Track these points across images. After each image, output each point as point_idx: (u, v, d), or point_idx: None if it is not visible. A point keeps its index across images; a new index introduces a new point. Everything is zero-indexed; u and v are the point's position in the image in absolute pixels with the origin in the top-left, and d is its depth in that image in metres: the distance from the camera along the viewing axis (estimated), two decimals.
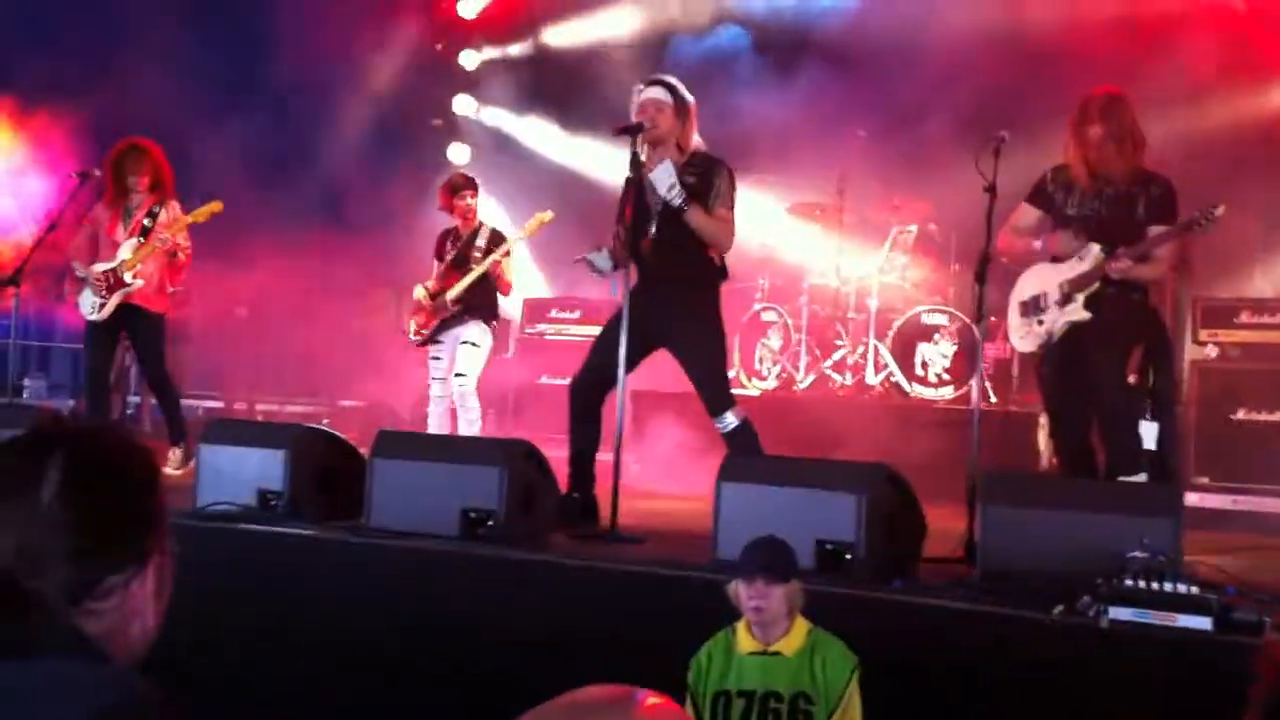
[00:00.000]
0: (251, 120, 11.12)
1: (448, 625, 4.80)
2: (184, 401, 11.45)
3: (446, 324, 7.93)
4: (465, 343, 7.86)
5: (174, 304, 8.16)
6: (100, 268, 7.55)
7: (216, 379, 11.31)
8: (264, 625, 5.07)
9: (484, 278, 7.83)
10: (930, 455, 7.41)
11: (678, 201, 5.64)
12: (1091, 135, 5.58)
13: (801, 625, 3.68)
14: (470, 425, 7.81)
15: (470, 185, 8.11)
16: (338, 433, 6.01)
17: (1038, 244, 5.72)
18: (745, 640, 3.70)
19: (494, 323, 8.02)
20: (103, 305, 7.53)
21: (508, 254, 7.86)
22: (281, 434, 5.82)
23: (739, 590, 3.67)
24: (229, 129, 10.95)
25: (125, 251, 7.51)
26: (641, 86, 6.00)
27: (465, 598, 4.84)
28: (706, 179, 5.80)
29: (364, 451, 5.66)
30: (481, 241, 7.92)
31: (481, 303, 7.91)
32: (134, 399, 10.51)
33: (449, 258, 8.02)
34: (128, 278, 7.48)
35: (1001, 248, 5.78)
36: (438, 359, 8.04)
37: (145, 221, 7.60)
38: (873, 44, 9.90)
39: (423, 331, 8.00)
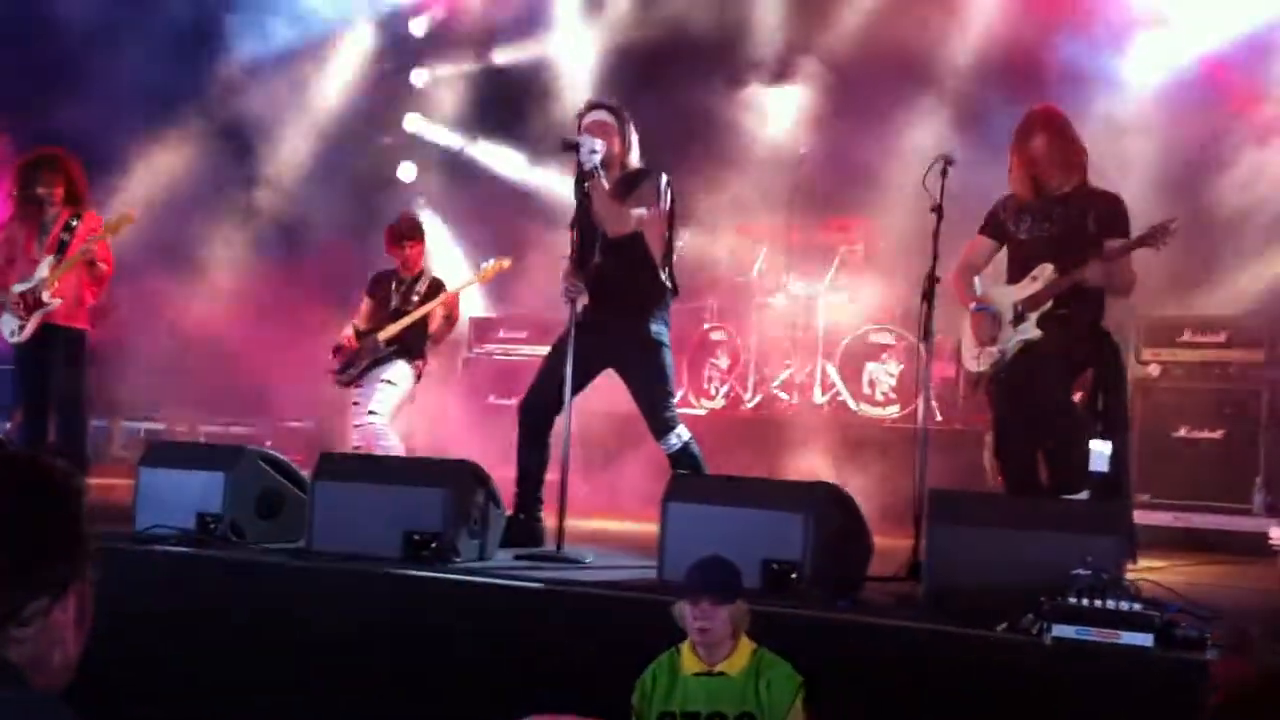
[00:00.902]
0: (197, 138, 11.03)
1: (391, 649, 4.73)
2: (126, 424, 11.37)
3: (374, 364, 7.82)
4: (384, 381, 7.74)
5: (112, 324, 8.01)
6: (18, 288, 7.32)
7: (158, 401, 11.15)
8: (204, 651, 4.98)
9: (420, 322, 7.78)
10: (877, 474, 7.43)
11: (588, 166, 5.60)
12: (1034, 151, 5.63)
13: (746, 645, 3.67)
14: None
15: (415, 235, 8.01)
16: (279, 455, 5.92)
17: (972, 306, 5.76)
18: (690, 661, 3.68)
19: (419, 362, 7.89)
20: (23, 327, 7.31)
21: (445, 301, 7.83)
22: (221, 456, 5.74)
23: (684, 611, 3.65)
24: (172, 148, 10.87)
25: (43, 269, 7.28)
26: (584, 108, 6.02)
27: (409, 621, 4.78)
28: (636, 181, 5.81)
29: (307, 474, 5.59)
30: (421, 287, 7.87)
31: (410, 344, 7.83)
32: (99, 423, 10.35)
33: (392, 305, 7.91)
34: (46, 297, 7.25)
35: (953, 288, 5.82)
36: (357, 404, 7.89)
37: (62, 235, 7.35)
38: (821, 63, 9.96)
39: (350, 372, 7.87)
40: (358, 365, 7.83)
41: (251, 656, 4.89)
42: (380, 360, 7.76)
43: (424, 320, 7.81)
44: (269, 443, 10.24)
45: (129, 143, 10.57)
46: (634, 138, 5.93)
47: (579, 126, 5.93)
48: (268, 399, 11.02)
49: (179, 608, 5.08)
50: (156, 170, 10.87)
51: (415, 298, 7.84)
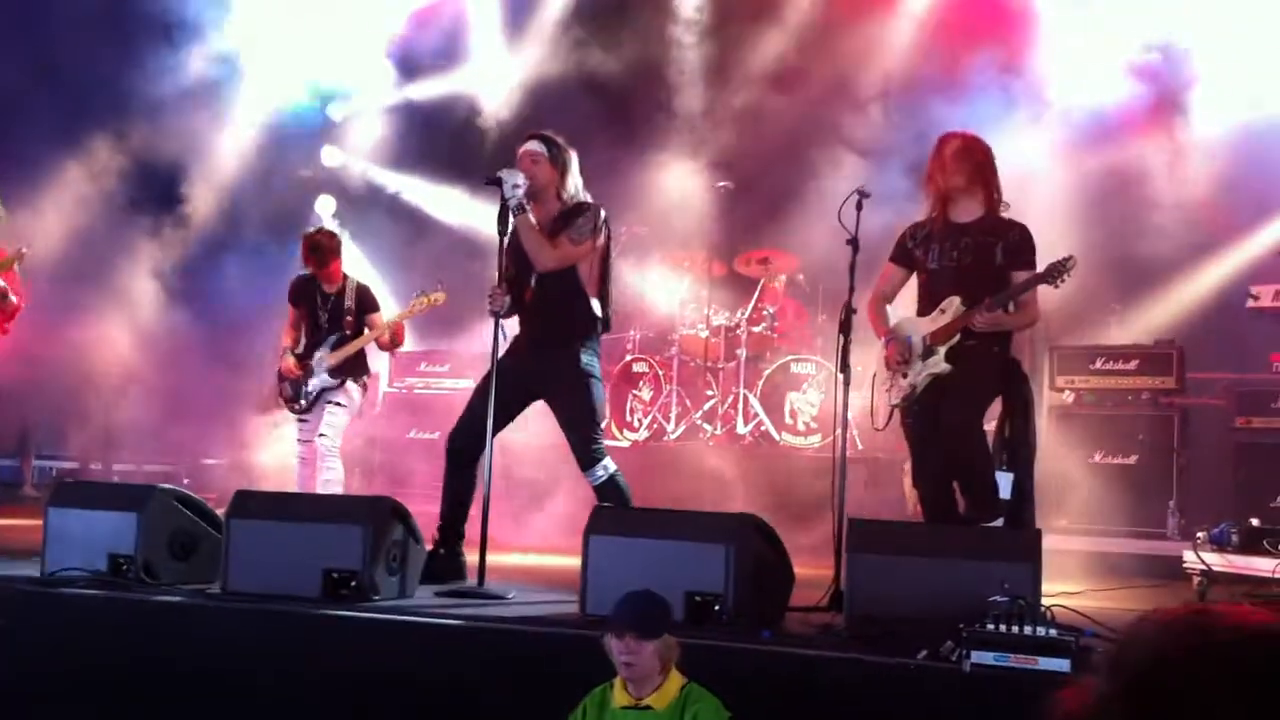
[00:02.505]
0: (110, 170, 10.85)
1: (311, 690, 4.65)
2: (37, 463, 11.12)
3: (324, 390, 7.83)
4: (331, 402, 7.80)
5: (23, 360, 7.84)
6: None
7: (71, 438, 10.92)
8: (117, 696, 4.86)
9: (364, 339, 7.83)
10: (799, 503, 7.47)
11: (513, 203, 5.61)
12: (946, 177, 5.69)
13: (676, 679, 3.65)
14: (329, 485, 7.68)
15: (339, 251, 7.99)
16: (193, 493, 5.81)
17: (885, 338, 5.84)
18: (620, 694, 3.67)
19: (364, 378, 7.92)
20: None
21: (420, 310, 7.87)
22: (133, 495, 5.61)
23: (611, 645, 3.63)
24: (84, 180, 10.68)
25: None
26: (525, 139, 6.01)
27: (329, 661, 4.70)
28: (572, 216, 5.82)
29: (222, 512, 5.49)
30: (350, 303, 7.83)
31: (352, 364, 7.86)
32: (9, 461, 10.14)
33: (322, 320, 7.89)
34: None
35: (869, 318, 5.88)
36: (304, 420, 7.89)
37: None
38: (737, 97, 10.07)
39: (302, 402, 7.86)
40: (306, 395, 7.84)
41: (166, 701, 4.78)
42: (329, 386, 7.80)
43: (375, 340, 7.89)
44: (185, 480, 10.08)
45: (41, 174, 10.37)
46: (574, 168, 5.92)
47: (517, 158, 5.93)
48: (183, 436, 10.84)
49: (90, 651, 4.95)
50: (69, 203, 10.67)
51: (348, 316, 7.80)
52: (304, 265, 8.00)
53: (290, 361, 7.89)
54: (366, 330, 7.82)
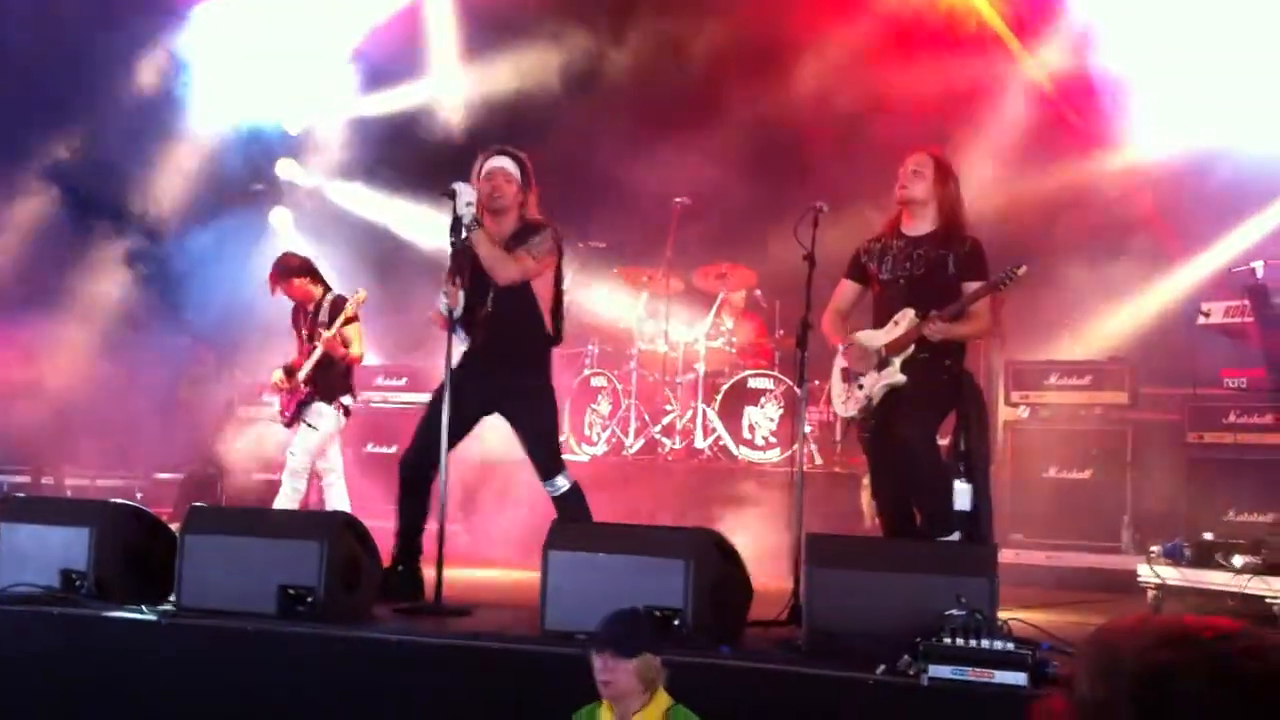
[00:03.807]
0: (63, 182, 10.75)
1: (266, 708, 4.61)
2: None
3: (301, 405, 7.85)
4: (305, 423, 7.80)
5: None
6: None
7: (23, 451, 10.77)
8: (69, 713, 4.79)
9: (326, 355, 7.75)
10: (758, 518, 7.49)
11: (466, 219, 5.61)
12: (906, 192, 5.75)
13: (662, 699, 3.64)
14: (286, 500, 7.65)
15: (288, 274, 7.96)
16: (146, 508, 5.75)
17: (842, 345, 5.88)
18: (606, 714, 3.68)
19: (342, 398, 7.85)
20: None
21: (348, 321, 7.77)
22: (86, 511, 5.55)
23: (593, 662, 3.62)
24: (36, 192, 10.58)
25: None
26: (489, 153, 5.99)
27: (284, 678, 4.66)
28: (528, 233, 5.82)
29: (177, 527, 5.43)
30: (324, 316, 7.83)
31: (326, 382, 7.82)
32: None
33: (303, 335, 7.93)
34: None
35: (825, 331, 5.91)
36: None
37: None
38: (698, 112, 10.09)
39: (285, 414, 7.94)
40: (289, 408, 7.89)
41: (119, 718, 4.72)
42: (305, 401, 7.81)
43: (329, 355, 7.76)
44: (138, 495, 9.97)
45: None
46: (535, 188, 5.95)
47: (479, 170, 5.92)
48: (137, 450, 10.73)
49: (42, 668, 4.89)
50: (21, 215, 10.56)
51: (321, 328, 7.78)
52: (272, 293, 8.02)
53: (274, 378, 7.94)
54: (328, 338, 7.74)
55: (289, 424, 7.90)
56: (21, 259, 10.11)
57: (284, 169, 12.25)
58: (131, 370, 10.47)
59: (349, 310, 7.74)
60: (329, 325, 7.73)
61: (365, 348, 8.07)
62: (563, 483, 5.80)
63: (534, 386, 5.86)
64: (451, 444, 5.72)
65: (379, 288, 8.37)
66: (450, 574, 5.44)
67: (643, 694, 3.62)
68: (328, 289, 8.02)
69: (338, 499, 7.91)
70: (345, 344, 7.76)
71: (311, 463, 7.81)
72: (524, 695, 4.26)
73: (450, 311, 5.63)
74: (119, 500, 5.71)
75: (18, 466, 10.86)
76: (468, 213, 5.59)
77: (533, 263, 5.79)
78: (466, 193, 5.64)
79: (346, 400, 7.90)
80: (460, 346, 5.82)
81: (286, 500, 7.67)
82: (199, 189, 11.51)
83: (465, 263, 5.81)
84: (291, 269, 7.96)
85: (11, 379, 10.17)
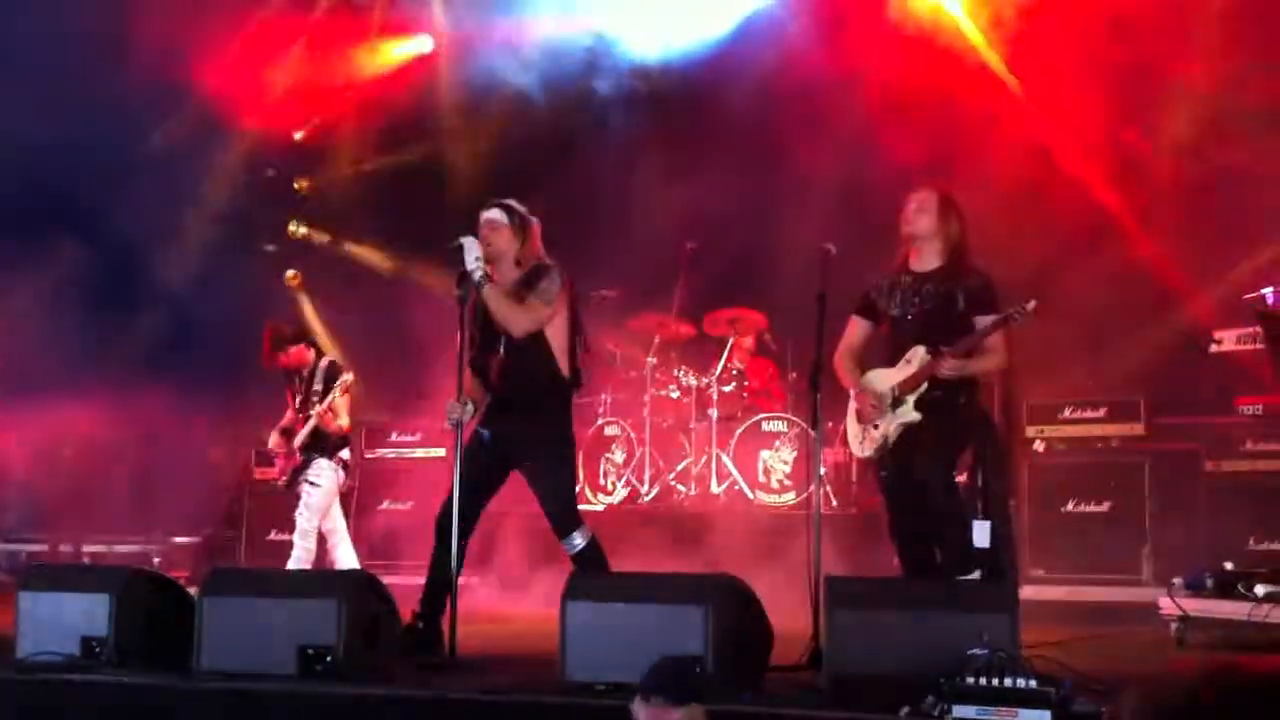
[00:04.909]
0: (75, 245, 10.83)
1: None
2: (5, 546, 10.99)
3: (297, 471, 7.94)
4: (308, 482, 7.89)
5: None
6: None
7: (41, 520, 10.81)
8: None
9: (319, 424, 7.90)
10: (775, 562, 7.46)
11: (477, 276, 5.64)
12: (911, 228, 5.76)
13: None
14: (299, 561, 7.68)
15: (293, 339, 8.04)
16: (164, 573, 5.76)
17: (854, 389, 5.87)
18: None
19: (340, 454, 7.94)
20: None
21: (345, 391, 7.86)
22: (105, 577, 5.55)
23: (639, 712, 3.59)
24: (49, 255, 10.66)
25: None
26: (482, 211, 6.06)
27: None
28: (534, 279, 5.83)
29: (195, 591, 5.43)
30: (319, 385, 7.89)
31: (323, 442, 7.92)
32: None
33: (299, 402, 8.02)
34: None
35: (837, 371, 5.91)
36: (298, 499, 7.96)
37: None
38: (701, 155, 10.14)
39: (282, 477, 8.08)
40: (285, 472, 8.00)
41: None
42: (300, 468, 7.89)
43: (321, 425, 7.88)
44: (156, 560, 9.98)
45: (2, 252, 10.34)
46: (534, 235, 5.95)
47: (478, 226, 5.96)
48: (153, 515, 10.75)
49: None
50: (32, 279, 10.64)
51: (315, 399, 7.84)
52: (266, 367, 8.09)
53: (272, 440, 8.04)
54: (322, 410, 7.83)
55: (287, 487, 7.97)
56: (35, 325, 10.17)
57: (295, 228, 12.35)
58: (143, 436, 10.51)
59: (343, 384, 7.83)
60: (323, 393, 7.80)
61: (349, 417, 8.17)
62: (579, 540, 5.74)
63: (550, 440, 5.81)
64: (485, 498, 5.76)
65: (389, 342, 8.39)
66: (469, 628, 5.42)
67: None
68: (320, 354, 8.08)
69: (345, 558, 7.92)
70: (334, 415, 7.88)
71: (320, 521, 7.84)
72: None
73: (458, 424, 5.67)
74: (137, 566, 5.72)
75: (35, 536, 10.89)
76: (477, 267, 5.63)
77: (545, 309, 5.76)
78: (474, 247, 5.68)
79: (344, 454, 7.98)
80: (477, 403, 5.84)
81: (299, 561, 7.70)
82: (209, 250, 11.60)
83: (475, 315, 5.82)
84: (285, 338, 8.02)
85: (27, 449, 10.23)
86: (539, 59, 10.97)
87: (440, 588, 5.78)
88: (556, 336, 5.86)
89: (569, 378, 5.89)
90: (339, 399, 7.83)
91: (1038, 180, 9.17)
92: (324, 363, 8.01)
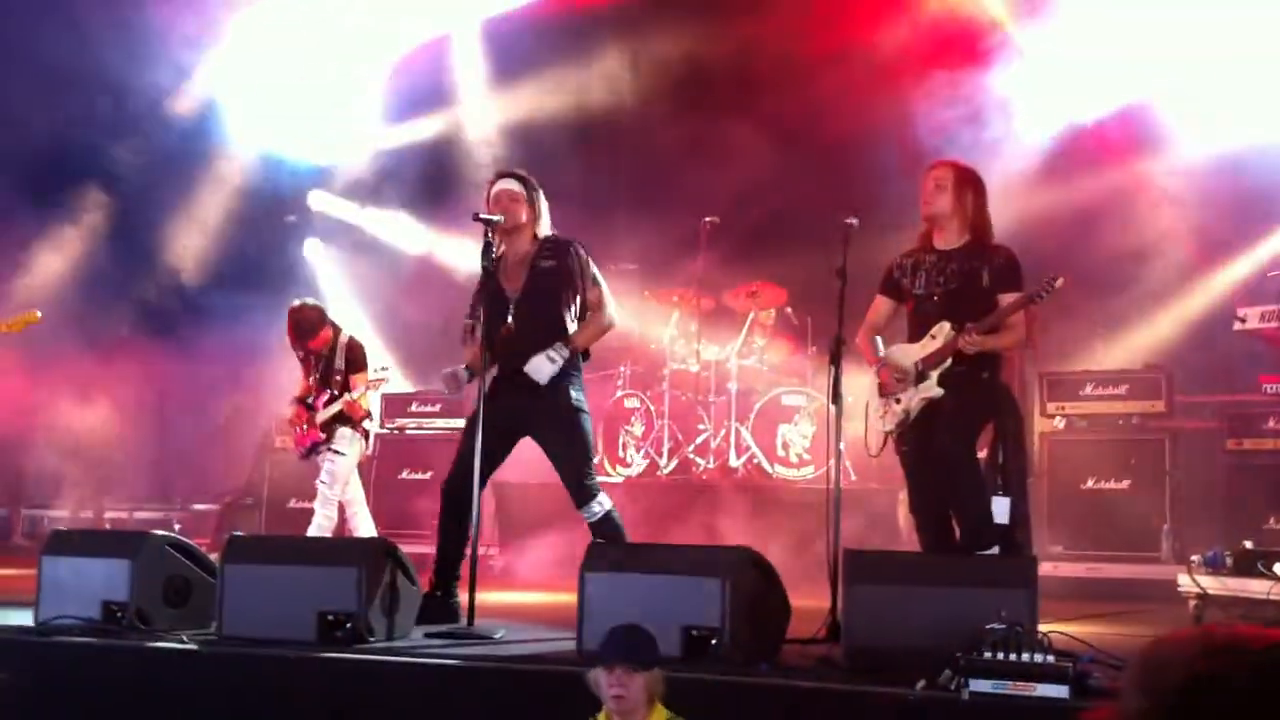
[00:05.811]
0: (98, 217, 10.88)
1: None
2: (27, 511, 11.08)
3: (315, 444, 8.00)
4: (333, 450, 7.90)
5: (13, 411, 7.87)
6: None
7: (62, 486, 10.89)
8: None
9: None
10: (794, 535, 7.47)
11: (546, 381, 5.72)
12: (932, 203, 5.73)
13: (660, 713, 3.65)
14: (319, 529, 7.71)
15: (319, 324, 8.02)
16: (186, 539, 5.79)
17: (876, 365, 5.86)
18: None
19: (364, 422, 7.99)
20: None
21: (374, 387, 8.01)
22: (126, 542, 5.58)
23: (599, 678, 3.63)
24: (73, 227, 10.71)
25: None
26: (494, 177, 6.07)
27: (324, 704, 4.67)
28: (564, 263, 5.83)
29: (215, 557, 5.47)
30: (340, 362, 7.91)
31: (345, 415, 7.94)
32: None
33: (314, 378, 8.03)
34: None
35: (860, 348, 5.90)
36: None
37: None
38: (726, 130, 10.10)
39: (299, 448, 8.11)
40: (303, 443, 8.03)
41: None
42: (319, 442, 7.95)
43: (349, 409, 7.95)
44: (177, 526, 10.05)
45: (27, 226, 10.40)
46: (544, 206, 5.97)
47: (487, 196, 5.96)
48: (173, 482, 10.82)
49: (86, 700, 4.92)
50: (56, 252, 10.70)
51: (336, 375, 7.85)
52: (296, 346, 8.06)
53: (291, 411, 8.08)
54: (347, 393, 7.84)
55: (303, 457, 7.99)
56: (59, 297, 10.23)
57: (315, 199, 12.36)
58: (166, 404, 10.56)
59: (374, 381, 8.00)
60: (345, 372, 7.84)
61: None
62: (597, 508, 5.75)
63: (564, 408, 5.81)
64: (491, 468, 5.74)
65: (411, 313, 8.40)
66: (487, 597, 5.44)
67: (645, 707, 3.63)
68: (338, 331, 8.07)
69: (364, 527, 7.95)
70: (359, 405, 7.94)
71: (343, 489, 7.86)
72: (560, 716, 4.25)
73: (469, 375, 5.70)
74: (159, 531, 5.75)
75: (57, 502, 10.98)
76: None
77: (605, 291, 5.92)
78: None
79: (367, 424, 8.01)
80: (492, 371, 5.83)
81: (319, 529, 7.73)
82: (231, 223, 11.64)
83: (490, 285, 5.82)
84: (312, 323, 7.98)
85: (50, 417, 10.29)
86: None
87: (454, 556, 5.80)
88: (568, 306, 5.86)
89: (580, 350, 5.92)
90: (366, 395, 7.93)
91: (1061, 153, 9.12)
92: (344, 339, 8.01)
